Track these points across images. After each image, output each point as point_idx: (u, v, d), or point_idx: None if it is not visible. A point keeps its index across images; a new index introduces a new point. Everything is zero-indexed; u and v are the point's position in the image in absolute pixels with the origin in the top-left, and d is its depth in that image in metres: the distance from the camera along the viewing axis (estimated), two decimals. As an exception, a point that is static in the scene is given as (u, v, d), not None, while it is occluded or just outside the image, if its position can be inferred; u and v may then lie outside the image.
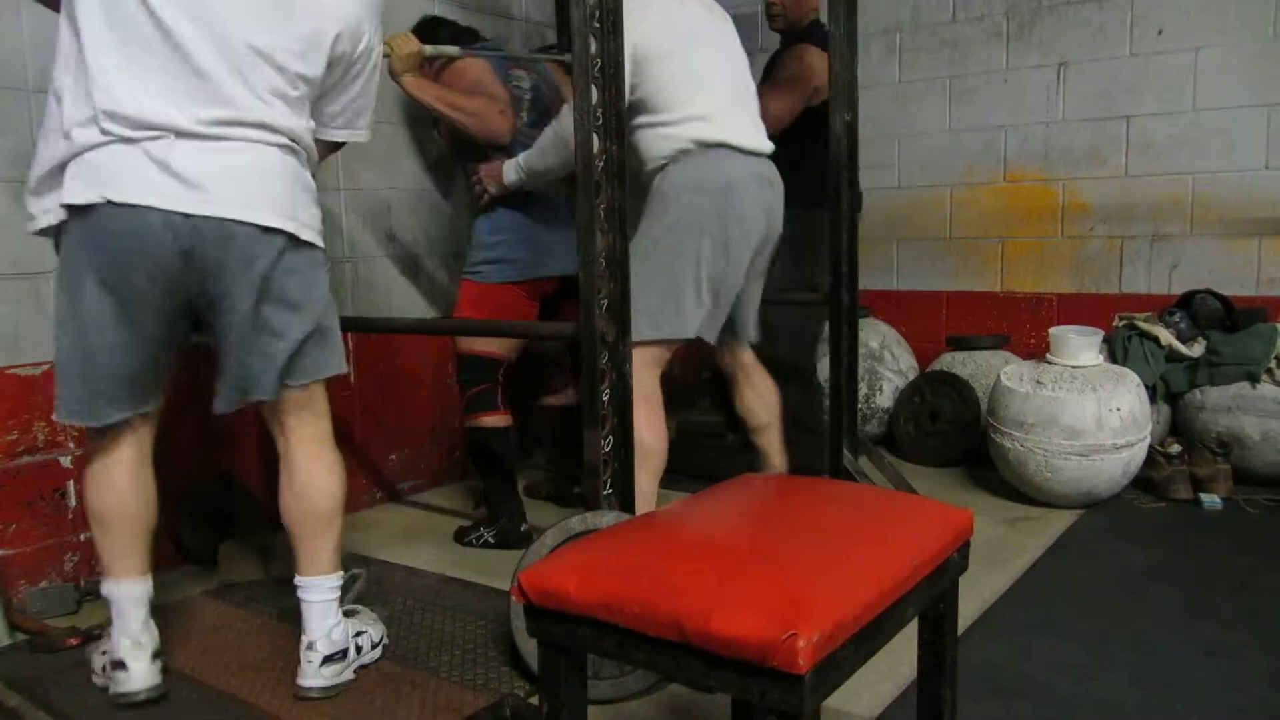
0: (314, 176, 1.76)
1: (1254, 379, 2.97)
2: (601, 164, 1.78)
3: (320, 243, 1.73)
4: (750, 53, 2.42)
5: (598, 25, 1.77)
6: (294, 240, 1.65)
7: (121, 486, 1.73)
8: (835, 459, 2.79)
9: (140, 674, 1.73)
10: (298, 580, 1.80)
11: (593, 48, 1.76)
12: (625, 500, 1.86)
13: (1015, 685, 1.79)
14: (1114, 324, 3.27)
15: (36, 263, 2.25)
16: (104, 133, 1.52)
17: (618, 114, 1.81)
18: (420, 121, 3.10)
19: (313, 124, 1.72)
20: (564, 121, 2.13)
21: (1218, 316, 3.16)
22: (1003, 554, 2.47)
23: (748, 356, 2.50)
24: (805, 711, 0.93)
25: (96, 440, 1.73)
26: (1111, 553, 2.49)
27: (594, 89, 1.77)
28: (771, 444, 2.51)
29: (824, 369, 3.12)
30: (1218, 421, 3.00)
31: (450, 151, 2.95)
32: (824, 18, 2.97)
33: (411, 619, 2.15)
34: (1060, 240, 3.60)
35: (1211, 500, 2.83)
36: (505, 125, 2.53)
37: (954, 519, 1.27)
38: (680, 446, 2.30)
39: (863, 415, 3.36)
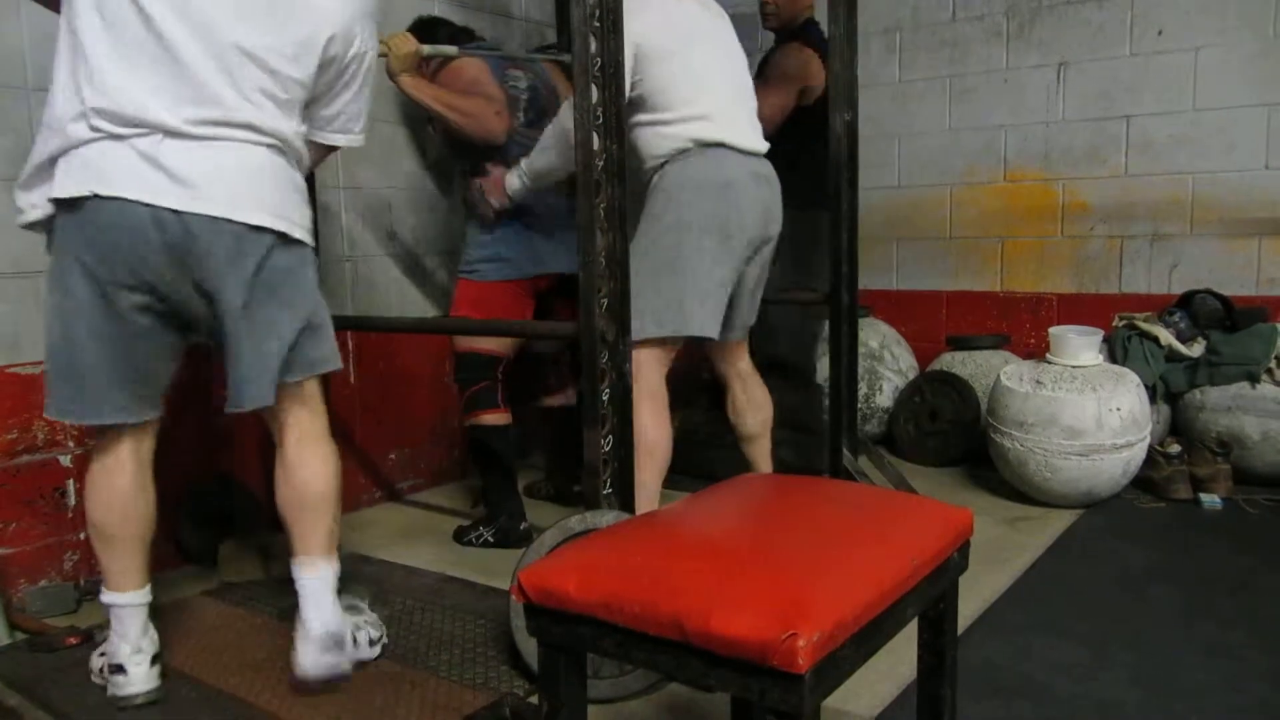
0: (306, 178, 1.76)
1: (1254, 379, 2.97)
2: (601, 163, 1.79)
3: (310, 241, 1.74)
4: (749, 53, 2.42)
5: (598, 24, 1.77)
6: (283, 239, 1.66)
7: (123, 501, 1.73)
8: (835, 459, 2.79)
9: (139, 678, 1.73)
10: (294, 567, 1.78)
11: (593, 47, 1.77)
12: (625, 499, 1.86)
13: (1015, 685, 1.79)
14: (1114, 324, 3.27)
15: (37, 262, 2.24)
16: (93, 129, 1.53)
17: (618, 113, 1.81)
18: (420, 120, 3.10)
19: (305, 127, 1.73)
20: (565, 116, 2.13)
21: (1218, 316, 3.16)
22: (1003, 554, 2.47)
23: (746, 365, 2.48)
24: (805, 711, 0.93)
25: (98, 452, 1.74)
26: (1111, 553, 2.49)
27: (594, 88, 1.77)
28: (760, 455, 2.50)
29: (824, 369, 3.12)
30: (1218, 421, 3.00)
31: (447, 150, 2.95)
32: (821, 17, 2.97)
33: (411, 618, 2.15)
34: (1060, 240, 3.60)
35: (1211, 500, 2.82)
36: (501, 125, 2.53)
37: (954, 519, 1.27)
38: (680, 446, 2.30)
39: (862, 415, 3.36)
